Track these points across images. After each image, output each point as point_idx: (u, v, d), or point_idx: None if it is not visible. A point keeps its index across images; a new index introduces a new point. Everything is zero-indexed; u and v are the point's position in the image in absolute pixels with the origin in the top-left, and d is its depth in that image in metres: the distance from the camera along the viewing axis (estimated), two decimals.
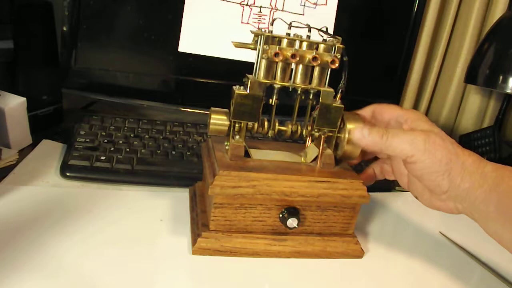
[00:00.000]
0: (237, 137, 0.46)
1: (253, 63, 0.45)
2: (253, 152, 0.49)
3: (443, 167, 0.41)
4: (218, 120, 0.46)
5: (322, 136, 0.47)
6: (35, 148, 0.62)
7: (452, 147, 0.41)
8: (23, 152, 0.60)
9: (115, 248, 0.43)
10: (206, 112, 0.48)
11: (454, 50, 0.93)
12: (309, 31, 0.45)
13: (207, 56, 0.72)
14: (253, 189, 0.43)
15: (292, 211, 0.45)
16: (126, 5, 0.68)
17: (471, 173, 0.41)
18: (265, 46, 0.43)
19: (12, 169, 0.55)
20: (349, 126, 0.46)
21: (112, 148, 0.60)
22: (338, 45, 0.45)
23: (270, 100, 0.46)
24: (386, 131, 0.43)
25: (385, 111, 0.47)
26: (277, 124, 0.48)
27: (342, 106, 0.46)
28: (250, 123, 0.46)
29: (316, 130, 0.47)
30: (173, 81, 0.73)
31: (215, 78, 0.73)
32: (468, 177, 0.41)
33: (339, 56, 0.45)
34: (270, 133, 0.48)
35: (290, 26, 0.44)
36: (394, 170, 0.50)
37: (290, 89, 0.46)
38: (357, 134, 0.44)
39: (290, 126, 0.48)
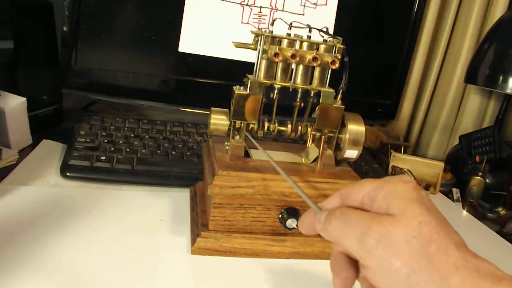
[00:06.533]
0: (237, 137, 0.46)
1: (253, 63, 0.45)
2: (253, 152, 0.49)
3: (403, 282, 0.25)
4: (218, 120, 0.46)
5: (323, 137, 0.47)
6: (35, 148, 0.62)
7: (433, 251, 0.25)
8: (23, 152, 0.60)
9: (115, 247, 0.43)
10: (206, 112, 0.48)
11: (454, 50, 0.93)
12: (310, 31, 0.45)
13: (207, 56, 0.72)
14: (252, 189, 0.43)
15: (292, 211, 0.45)
16: (126, 5, 0.68)
17: None
18: (265, 47, 0.43)
19: (12, 169, 0.55)
20: (350, 127, 0.46)
21: (112, 148, 0.59)
22: (338, 45, 0.44)
23: (271, 97, 0.46)
24: (333, 214, 0.30)
25: (352, 192, 0.31)
26: (277, 124, 0.48)
27: (343, 106, 0.46)
28: (250, 123, 0.46)
29: (316, 130, 0.47)
30: (173, 81, 0.73)
31: (215, 78, 0.73)
32: None
33: (339, 57, 0.45)
34: (272, 127, 0.47)
35: (290, 26, 0.44)
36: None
37: (290, 90, 0.46)
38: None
39: (290, 126, 0.48)
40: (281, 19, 0.44)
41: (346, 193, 0.32)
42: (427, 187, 0.69)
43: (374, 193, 0.29)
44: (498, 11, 0.86)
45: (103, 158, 0.57)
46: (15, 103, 0.60)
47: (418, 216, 0.26)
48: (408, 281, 0.25)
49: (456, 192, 0.70)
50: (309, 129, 0.48)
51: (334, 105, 0.46)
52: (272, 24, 0.43)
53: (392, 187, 0.29)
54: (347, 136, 0.46)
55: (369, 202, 0.30)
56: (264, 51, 0.43)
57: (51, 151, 0.62)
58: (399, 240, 0.26)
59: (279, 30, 0.44)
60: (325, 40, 0.45)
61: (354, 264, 0.30)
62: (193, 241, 0.45)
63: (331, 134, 0.47)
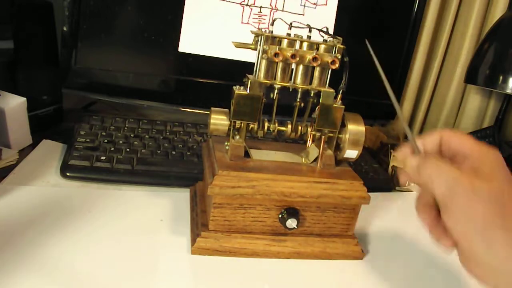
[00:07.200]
0: (237, 137, 0.46)
1: (253, 63, 0.45)
2: (253, 152, 0.49)
3: (478, 232, 0.31)
4: (218, 120, 0.46)
5: (323, 137, 0.47)
6: (35, 148, 0.62)
7: (509, 213, 0.31)
8: (23, 152, 0.60)
9: (115, 247, 0.43)
10: (206, 112, 0.48)
11: (454, 50, 0.93)
12: (310, 31, 0.45)
13: (207, 56, 0.72)
14: (252, 189, 0.43)
15: (292, 211, 0.45)
16: (126, 5, 0.68)
17: None
18: (265, 47, 0.43)
19: (12, 169, 0.55)
20: (350, 127, 0.46)
21: (112, 148, 0.59)
22: (338, 45, 0.44)
23: (271, 97, 0.46)
24: (429, 161, 0.34)
25: (454, 140, 0.37)
26: (277, 124, 0.48)
27: (343, 106, 0.46)
28: (250, 123, 0.46)
29: (316, 130, 0.47)
30: (173, 81, 0.73)
31: (215, 78, 0.73)
32: None
33: (339, 57, 0.45)
34: (272, 127, 0.47)
35: (290, 26, 0.44)
36: None
37: (290, 90, 0.46)
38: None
39: (290, 126, 0.48)
40: (281, 19, 0.44)
41: (449, 138, 0.37)
42: None
43: (470, 152, 0.35)
44: (498, 11, 0.86)
45: (103, 158, 0.57)
46: (15, 103, 0.60)
47: (504, 181, 0.32)
48: (482, 232, 0.30)
49: None
50: (309, 129, 0.48)
51: (334, 105, 0.46)
52: (272, 24, 0.43)
53: (486, 151, 0.34)
54: (347, 136, 0.46)
55: (462, 159, 0.35)
56: (264, 51, 0.43)
57: (51, 151, 0.62)
58: (483, 196, 0.31)
59: (279, 30, 0.44)
60: (325, 40, 0.45)
61: (436, 206, 0.35)
62: (193, 241, 0.45)
63: (331, 134, 0.47)
